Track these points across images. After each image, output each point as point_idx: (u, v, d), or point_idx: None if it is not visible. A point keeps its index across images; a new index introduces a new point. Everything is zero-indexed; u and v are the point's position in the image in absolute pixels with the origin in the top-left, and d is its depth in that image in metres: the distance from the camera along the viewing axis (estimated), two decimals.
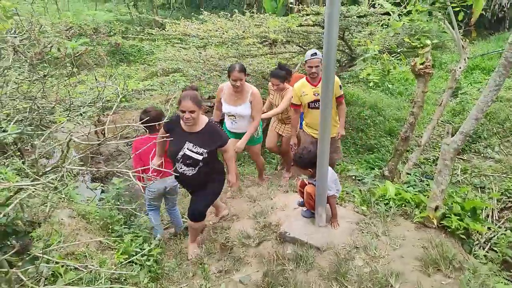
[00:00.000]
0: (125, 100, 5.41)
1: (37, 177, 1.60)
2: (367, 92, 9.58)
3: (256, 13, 6.42)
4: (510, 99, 8.01)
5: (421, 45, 4.33)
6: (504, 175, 5.61)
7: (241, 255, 3.12)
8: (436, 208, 2.88)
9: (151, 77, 6.44)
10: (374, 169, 5.89)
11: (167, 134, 2.82)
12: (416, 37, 4.66)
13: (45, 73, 2.92)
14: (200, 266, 3.15)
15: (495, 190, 4.86)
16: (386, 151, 7.03)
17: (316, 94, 3.81)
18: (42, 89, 2.94)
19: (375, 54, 3.49)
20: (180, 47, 6.45)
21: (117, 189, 3.89)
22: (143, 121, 2.90)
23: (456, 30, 4.63)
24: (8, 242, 1.79)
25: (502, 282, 2.39)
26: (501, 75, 2.51)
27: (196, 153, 2.90)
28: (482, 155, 6.68)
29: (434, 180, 2.91)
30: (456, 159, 6.78)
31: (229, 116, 3.94)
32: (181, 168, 2.96)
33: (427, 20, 3.93)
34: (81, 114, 3.74)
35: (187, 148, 2.91)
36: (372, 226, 2.97)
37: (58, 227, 2.85)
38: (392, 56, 4.05)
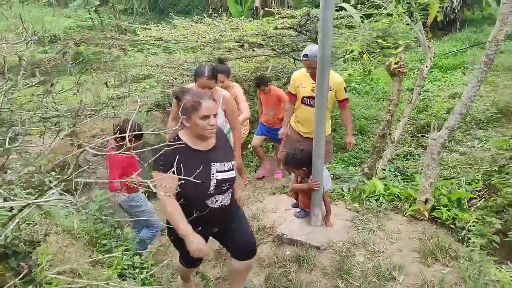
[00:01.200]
0: (101, 108, 5.19)
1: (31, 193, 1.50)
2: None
3: (219, 16, 6.43)
4: None
5: (394, 45, 4.52)
6: (470, 167, 5.95)
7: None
8: (426, 201, 3.00)
9: (122, 84, 6.25)
10: (349, 166, 6.04)
11: (170, 175, 1.83)
12: (385, 38, 4.86)
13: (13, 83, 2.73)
14: (195, 274, 3.09)
15: (464, 182, 5.15)
16: (359, 148, 7.23)
17: (314, 90, 3.37)
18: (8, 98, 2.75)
19: (355, 55, 3.60)
20: (152, 52, 6.30)
21: (100, 201, 3.73)
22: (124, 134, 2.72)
23: (422, 31, 4.87)
24: (8, 265, 1.66)
25: (494, 267, 2.53)
26: (482, 72, 2.66)
27: (228, 170, 2.14)
28: (447, 148, 7.04)
29: (423, 174, 3.03)
30: (425, 153, 7.13)
31: None
32: (215, 202, 2.10)
33: (405, 23, 4.12)
34: (55, 125, 3.56)
35: (217, 171, 2.08)
36: (366, 222, 3.05)
37: (44, 245, 2.68)
38: (372, 57, 4.19)
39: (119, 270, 2.89)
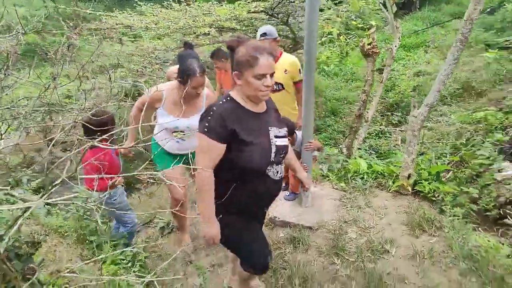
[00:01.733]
0: (71, 101, 4.97)
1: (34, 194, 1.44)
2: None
3: (187, 1, 6.28)
4: (431, 72, 8.87)
5: (367, 26, 4.62)
6: (437, 141, 6.26)
7: (227, 253, 3.12)
8: (409, 176, 3.14)
9: (90, 76, 5.99)
10: (325, 147, 6.18)
11: (223, 145, 1.67)
12: (357, 21, 4.97)
13: None
14: (190, 263, 3.10)
15: (434, 155, 5.43)
16: (332, 130, 7.41)
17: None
18: None
19: (333, 38, 3.65)
20: (119, 40, 6.05)
21: (86, 197, 3.62)
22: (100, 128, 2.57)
23: (390, 11, 5.00)
24: (11, 268, 1.60)
25: (474, 234, 2.72)
26: (458, 50, 2.79)
27: (284, 136, 1.87)
28: None
29: (405, 151, 3.16)
30: (395, 130, 7.42)
31: (173, 133, 2.80)
32: (276, 173, 1.81)
33: (374, 4, 4.21)
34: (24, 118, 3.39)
35: (275, 136, 1.80)
36: (354, 200, 3.16)
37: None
38: (349, 38, 4.26)
39: (113, 265, 2.86)
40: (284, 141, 1.85)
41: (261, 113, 1.80)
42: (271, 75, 1.68)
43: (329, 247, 2.70)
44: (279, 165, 1.84)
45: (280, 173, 1.85)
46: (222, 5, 5.23)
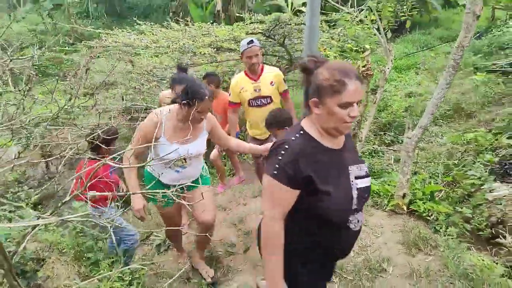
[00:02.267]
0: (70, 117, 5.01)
1: (42, 215, 1.48)
2: (300, 94, 10.10)
3: (185, 21, 6.43)
4: (422, 93, 9.09)
5: (361, 49, 4.77)
6: (430, 161, 6.38)
7: (230, 264, 3.13)
8: (404, 196, 3.22)
9: (88, 93, 6.06)
10: None
11: (296, 191, 1.43)
12: (352, 44, 5.13)
13: None
14: (188, 281, 3.10)
15: (428, 175, 5.54)
16: None
17: (257, 90, 3.39)
18: None
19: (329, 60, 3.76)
20: (118, 57, 6.15)
21: (86, 213, 3.61)
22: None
23: (383, 35, 5.19)
24: (20, 284, 1.61)
25: (468, 253, 2.78)
26: (451, 75, 2.92)
27: (366, 176, 1.57)
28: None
29: (400, 171, 3.25)
30: (388, 150, 7.54)
31: (175, 163, 2.55)
32: (357, 222, 1.55)
33: (368, 28, 4.37)
34: (28, 137, 3.41)
35: (355, 177, 1.52)
36: None
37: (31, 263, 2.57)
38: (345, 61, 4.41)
39: (112, 283, 2.85)
40: (367, 182, 1.55)
41: (339, 150, 1.52)
42: (358, 103, 1.41)
43: None
44: (360, 212, 1.56)
45: (361, 222, 1.57)
46: (221, 27, 5.38)
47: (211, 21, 8.48)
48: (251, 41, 3.25)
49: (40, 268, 1.68)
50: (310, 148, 1.44)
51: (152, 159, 2.32)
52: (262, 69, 3.41)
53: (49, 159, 2.37)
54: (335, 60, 1.44)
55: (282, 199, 1.43)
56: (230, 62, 6.36)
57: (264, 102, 3.41)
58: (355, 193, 1.48)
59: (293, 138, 1.46)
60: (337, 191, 1.43)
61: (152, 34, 5.80)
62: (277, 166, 1.41)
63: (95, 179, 2.14)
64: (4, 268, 1.21)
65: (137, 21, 6.62)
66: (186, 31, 5.31)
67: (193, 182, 2.70)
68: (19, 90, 1.59)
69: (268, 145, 2.63)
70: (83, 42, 6.36)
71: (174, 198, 1.46)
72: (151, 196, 2.54)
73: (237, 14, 6.01)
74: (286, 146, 1.42)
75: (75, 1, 13.86)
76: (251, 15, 5.38)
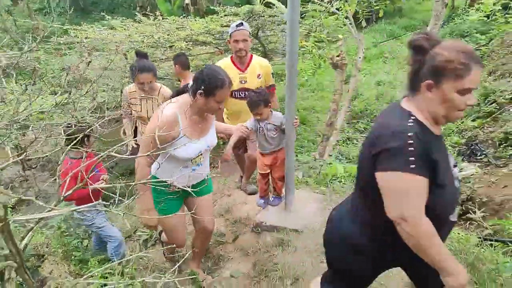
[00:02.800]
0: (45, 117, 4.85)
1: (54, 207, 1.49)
2: (282, 88, 10.20)
3: (154, 15, 6.36)
4: (391, 81, 9.43)
5: (335, 39, 4.91)
6: None
7: (221, 252, 3.19)
8: None
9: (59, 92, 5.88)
10: (297, 155, 6.41)
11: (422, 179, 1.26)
12: (325, 34, 5.26)
13: None
14: (180, 273, 3.13)
15: None
16: (303, 138, 7.67)
17: (243, 82, 3.20)
18: None
19: (306, 50, 3.88)
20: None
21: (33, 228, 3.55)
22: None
23: (353, 25, 5.35)
24: (30, 277, 1.61)
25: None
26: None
27: (455, 165, 1.47)
28: None
29: None
30: (362, 137, 7.79)
31: (193, 160, 2.26)
32: (455, 216, 1.44)
33: (339, 18, 4.51)
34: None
35: (453, 166, 1.44)
36: (335, 202, 3.34)
37: None
38: (321, 51, 4.52)
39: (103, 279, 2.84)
40: (458, 172, 1.45)
41: (441, 137, 1.42)
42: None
43: (316, 247, 2.85)
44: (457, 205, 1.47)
45: (457, 212, 1.46)
46: (195, 20, 5.35)
47: (182, 15, 8.41)
48: (241, 24, 3.06)
49: (41, 264, 1.67)
50: (427, 136, 1.29)
51: (159, 164, 2.11)
52: (250, 59, 3.23)
53: (28, 153, 2.33)
54: (452, 40, 1.32)
55: (423, 193, 1.27)
56: (204, 56, 6.35)
57: (246, 94, 3.18)
58: (457, 184, 1.41)
59: (410, 125, 1.27)
60: (449, 183, 1.34)
61: (124, 29, 5.69)
62: (412, 159, 1.22)
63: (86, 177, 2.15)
64: (17, 262, 1.22)
65: (106, 16, 6.47)
66: (160, 25, 5.25)
67: (200, 182, 2.42)
68: (21, 85, 1.56)
69: (239, 125, 2.66)
70: (51, 38, 6.14)
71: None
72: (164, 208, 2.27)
73: (206, 7, 6.01)
74: (410, 134, 1.24)
75: None
76: (224, 8, 5.39)
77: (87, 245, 3.48)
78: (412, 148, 1.22)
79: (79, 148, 2.87)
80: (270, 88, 3.38)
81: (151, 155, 1.82)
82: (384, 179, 1.30)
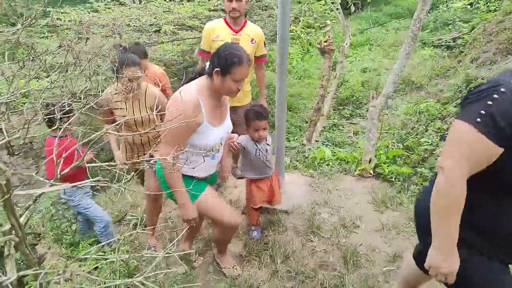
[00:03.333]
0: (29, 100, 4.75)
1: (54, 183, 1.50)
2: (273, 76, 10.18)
3: None
4: (376, 68, 9.53)
5: (323, 25, 4.94)
6: (386, 132, 6.81)
7: (211, 234, 3.24)
8: (370, 160, 3.47)
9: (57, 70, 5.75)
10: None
11: (500, 149, 1.09)
12: (313, 19, 5.29)
13: None
14: (169, 256, 3.17)
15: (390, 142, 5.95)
16: (290, 124, 7.73)
17: (235, 43, 2.86)
18: None
19: (294, 35, 3.90)
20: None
21: (50, 197, 3.55)
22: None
23: (341, 12, 5.38)
24: (31, 253, 1.62)
25: None
26: (410, 45, 3.15)
27: None
28: (365, 118, 7.90)
29: (366, 137, 3.49)
30: (348, 123, 7.91)
31: (214, 149, 2.12)
32: None
33: (325, 4, 4.53)
34: None
35: None
36: (323, 184, 3.43)
37: None
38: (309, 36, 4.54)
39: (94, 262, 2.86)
40: None
41: None
42: None
43: (305, 227, 2.93)
44: None
45: None
46: (182, 4, 5.28)
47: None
48: None
49: (38, 242, 1.68)
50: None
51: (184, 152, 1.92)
52: (244, 23, 3.01)
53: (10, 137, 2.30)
54: None
55: (479, 156, 1.11)
56: (191, 41, 6.29)
57: None
58: None
59: (510, 80, 1.08)
60: None
61: (108, 12, 5.58)
62: (483, 112, 1.07)
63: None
64: (19, 236, 1.23)
65: None
66: (146, 8, 5.17)
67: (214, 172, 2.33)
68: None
69: (230, 139, 2.39)
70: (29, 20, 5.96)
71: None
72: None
73: None
74: (502, 90, 1.07)
75: None
76: None
77: (75, 229, 3.48)
78: (490, 102, 1.07)
79: (59, 128, 2.82)
80: (261, 58, 3.16)
81: (178, 148, 1.80)
82: (455, 126, 1.16)
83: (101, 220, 3.19)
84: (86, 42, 1.70)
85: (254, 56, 3.07)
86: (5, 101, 1.35)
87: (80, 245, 3.05)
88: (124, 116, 2.79)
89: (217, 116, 2.05)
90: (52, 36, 7.65)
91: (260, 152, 2.61)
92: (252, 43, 2.99)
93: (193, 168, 1.95)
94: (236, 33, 2.96)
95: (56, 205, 3.52)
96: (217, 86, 1.93)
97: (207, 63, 1.98)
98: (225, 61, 1.86)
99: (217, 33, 2.96)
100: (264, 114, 2.51)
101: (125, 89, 2.60)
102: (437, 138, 5.35)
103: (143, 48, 3.85)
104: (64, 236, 3.14)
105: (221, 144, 2.18)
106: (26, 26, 1.57)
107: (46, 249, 2.48)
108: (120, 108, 2.78)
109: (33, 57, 1.47)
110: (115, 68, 2.67)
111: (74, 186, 1.33)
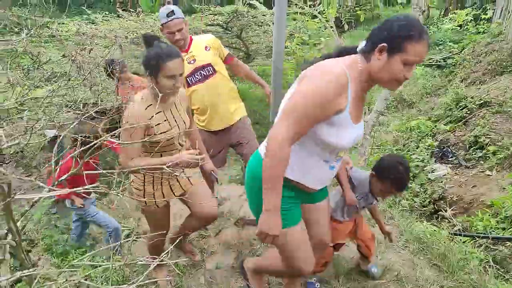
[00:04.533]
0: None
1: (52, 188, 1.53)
2: (254, 87, 10.31)
3: (136, 11, 6.36)
4: None
5: (317, 42, 5.07)
6: (378, 147, 6.91)
7: (204, 246, 3.24)
8: None
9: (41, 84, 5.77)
10: None
11: None
12: (308, 36, 5.43)
13: None
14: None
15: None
16: None
17: (191, 62, 2.57)
18: None
19: (289, 51, 4.00)
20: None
21: (43, 206, 3.52)
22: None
23: (335, 30, 5.53)
24: (27, 258, 1.62)
25: (419, 222, 3.16)
26: None
27: None
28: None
29: (358, 152, 3.55)
30: None
31: (339, 155, 1.64)
32: None
33: (320, 23, 4.67)
34: None
35: None
36: None
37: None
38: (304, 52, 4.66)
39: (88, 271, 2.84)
40: None
41: None
42: None
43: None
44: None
45: None
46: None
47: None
48: (172, 13, 2.48)
49: (31, 249, 1.68)
50: None
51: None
52: (191, 40, 2.66)
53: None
54: None
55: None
56: None
57: (205, 73, 2.61)
58: None
59: None
60: None
61: (106, 24, 5.66)
62: None
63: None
64: (16, 240, 1.24)
65: (87, 10, 6.41)
66: (144, 21, 5.26)
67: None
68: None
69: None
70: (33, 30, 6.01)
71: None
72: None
73: (188, 5, 6.04)
74: None
75: None
76: (210, 6, 5.45)
77: (67, 239, 3.46)
78: None
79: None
80: (229, 57, 2.82)
81: (300, 132, 1.38)
82: None
83: (110, 226, 3.28)
84: (89, 53, 1.72)
85: (222, 60, 2.76)
86: (7, 107, 1.38)
87: (70, 255, 3.03)
88: (166, 131, 1.97)
89: (358, 111, 1.52)
90: (50, 45, 7.70)
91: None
92: (207, 50, 2.63)
93: (306, 175, 1.55)
94: (186, 51, 2.58)
95: (48, 214, 3.51)
96: (376, 69, 1.38)
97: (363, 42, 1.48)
98: (398, 34, 1.31)
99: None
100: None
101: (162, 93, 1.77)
102: (427, 154, 5.46)
103: (122, 62, 3.99)
104: (55, 246, 3.12)
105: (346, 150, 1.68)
106: (32, 36, 1.61)
107: (38, 257, 2.46)
108: (159, 124, 1.94)
109: (38, 66, 1.51)
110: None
111: (73, 191, 1.35)
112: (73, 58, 1.71)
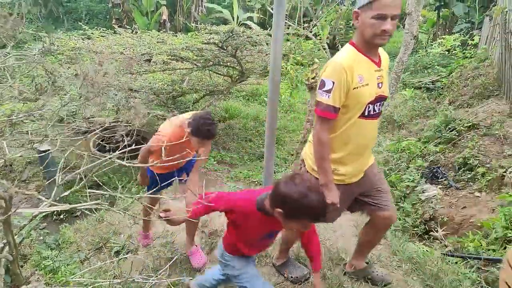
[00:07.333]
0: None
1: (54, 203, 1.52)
2: (247, 105, 10.40)
3: (131, 28, 6.44)
4: None
5: (311, 62, 5.17)
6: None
7: None
8: None
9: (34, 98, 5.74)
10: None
11: None
12: (302, 56, 5.54)
13: None
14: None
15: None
16: (276, 157, 7.82)
17: (379, 85, 2.04)
18: None
19: (283, 71, 4.07)
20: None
21: (31, 220, 3.46)
22: None
23: (327, 50, 5.66)
24: (21, 274, 1.59)
25: (411, 243, 3.17)
26: (393, 86, 3.33)
27: None
28: None
29: None
30: None
31: None
32: None
33: (314, 43, 4.78)
34: None
35: None
36: None
37: None
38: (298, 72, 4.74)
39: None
40: None
41: None
42: None
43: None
44: None
45: None
46: (176, 36, 5.46)
47: (159, 30, 8.45)
48: None
49: (24, 264, 1.65)
50: None
51: None
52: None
53: None
54: None
55: None
56: (183, 71, 6.44)
57: (380, 109, 2.13)
58: None
59: None
60: None
61: (102, 39, 5.70)
62: None
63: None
64: (12, 254, 1.23)
65: (83, 25, 6.46)
66: (141, 38, 5.31)
67: None
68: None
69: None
70: (26, 45, 6.03)
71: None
72: None
73: (183, 24, 6.15)
74: None
75: (5, 1, 12.92)
76: (206, 25, 5.54)
77: (56, 255, 3.39)
78: None
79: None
80: None
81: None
82: None
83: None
84: (104, 75, 1.72)
85: None
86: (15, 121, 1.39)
87: (60, 272, 2.97)
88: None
89: None
90: (48, 60, 7.69)
91: None
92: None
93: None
94: (379, 66, 1.97)
95: (36, 229, 3.44)
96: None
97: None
98: None
99: (360, 72, 1.87)
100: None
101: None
102: (418, 175, 5.52)
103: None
104: (44, 262, 3.05)
105: None
106: (46, 52, 1.62)
107: (30, 272, 2.40)
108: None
109: (52, 82, 1.53)
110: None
111: (73, 207, 1.34)
112: (86, 77, 1.73)
